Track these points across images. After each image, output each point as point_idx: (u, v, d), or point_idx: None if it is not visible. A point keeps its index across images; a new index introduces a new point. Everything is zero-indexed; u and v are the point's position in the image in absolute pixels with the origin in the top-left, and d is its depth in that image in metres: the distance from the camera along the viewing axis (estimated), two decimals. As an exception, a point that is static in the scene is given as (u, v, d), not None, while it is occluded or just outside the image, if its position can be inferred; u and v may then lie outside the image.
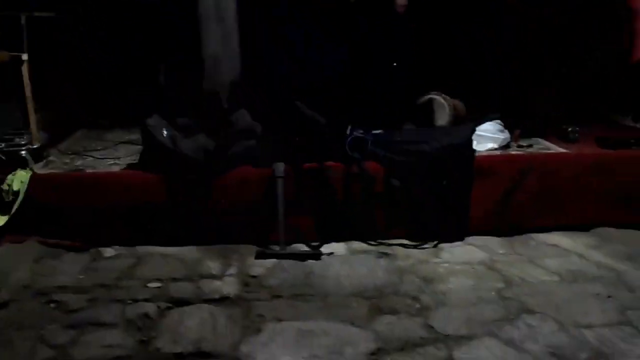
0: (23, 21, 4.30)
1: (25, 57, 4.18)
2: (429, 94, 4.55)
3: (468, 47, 4.88)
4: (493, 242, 3.94)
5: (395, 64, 4.48)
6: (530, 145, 4.42)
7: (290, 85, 4.33)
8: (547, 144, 4.48)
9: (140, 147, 4.20)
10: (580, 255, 3.75)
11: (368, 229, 3.92)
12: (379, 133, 4.17)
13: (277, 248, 3.74)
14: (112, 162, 4.21)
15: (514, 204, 4.01)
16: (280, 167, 3.79)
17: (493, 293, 3.33)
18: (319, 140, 3.94)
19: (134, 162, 4.11)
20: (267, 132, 3.96)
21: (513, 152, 4.30)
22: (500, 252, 3.83)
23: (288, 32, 4.62)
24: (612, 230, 4.07)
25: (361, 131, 4.02)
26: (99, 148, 4.59)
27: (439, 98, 4.52)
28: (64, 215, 3.81)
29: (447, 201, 3.90)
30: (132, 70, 5.23)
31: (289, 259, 3.68)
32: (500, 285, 3.42)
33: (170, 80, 5.19)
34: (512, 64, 4.75)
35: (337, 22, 4.44)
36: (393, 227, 3.94)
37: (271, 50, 4.61)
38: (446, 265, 3.66)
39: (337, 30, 4.43)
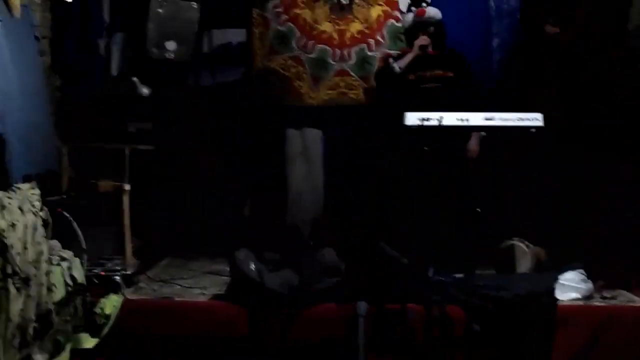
0: (127, 153, 4.62)
1: (127, 187, 4.46)
2: (511, 240, 4.61)
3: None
4: (576, 395, 3.86)
5: (479, 210, 4.58)
6: (613, 297, 4.37)
7: (375, 225, 4.47)
8: (631, 296, 4.42)
9: (225, 278, 4.35)
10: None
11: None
12: (460, 277, 4.23)
13: (357, 387, 3.74)
14: (199, 291, 4.35)
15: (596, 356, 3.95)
16: (362, 306, 3.84)
17: None
18: (401, 281, 4.01)
19: (221, 293, 4.24)
20: (351, 270, 4.06)
21: (596, 303, 4.27)
22: (583, 405, 3.75)
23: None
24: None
25: (443, 274, 4.08)
26: (185, 277, 4.74)
27: (520, 244, 4.56)
28: (152, 342, 3.92)
29: (529, 350, 3.88)
30: (220, 202, 5.49)
31: (370, 399, 3.68)
32: None
33: (255, 213, 5.41)
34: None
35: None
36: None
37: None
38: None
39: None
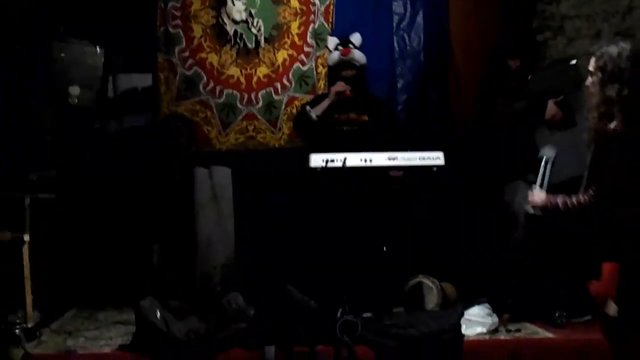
0: (27, 203, 4.48)
1: (26, 237, 4.32)
2: (418, 277, 4.66)
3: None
4: None
5: (385, 249, 4.62)
6: (518, 330, 4.46)
7: (283, 269, 4.46)
8: (535, 328, 4.53)
9: (132, 327, 4.24)
10: None
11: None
12: (369, 317, 4.25)
13: None
14: (104, 342, 4.23)
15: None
16: (270, 351, 3.82)
17: None
18: (309, 323, 3.99)
19: (126, 343, 4.13)
20: (259, 315, 4.02)
21: (501, 337, 4.35)
22: None
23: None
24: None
25: (351, 315, 4.08)
26: (91, 328, 4.61)
27: (427, 281, 4.63)
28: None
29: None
30: (126, 251, 5.37)
31: None
32: None
33: (164, 261, 5.32)
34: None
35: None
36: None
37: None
38: None
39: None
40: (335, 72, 5.16)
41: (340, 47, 5.16)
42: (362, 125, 5.03)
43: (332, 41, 5.29)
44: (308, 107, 5.07)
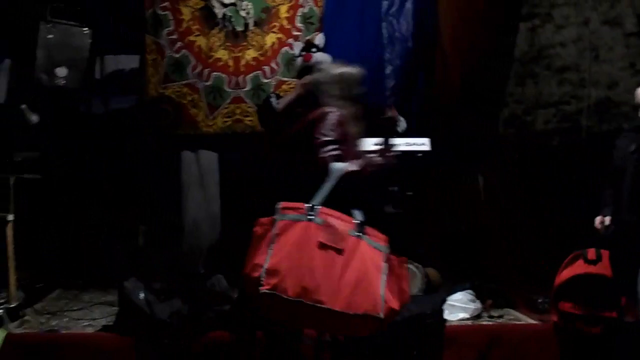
0: (12, 182, 4.47)
1: (11, 217, 4.31)
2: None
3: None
4: (465, 413, 3.94)
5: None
6: (501, 316, 4.50)
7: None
8: (518, 314, 4.57)
9: (117, 308, 4.25)
10: None
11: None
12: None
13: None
14: (87, 323, 4.24)
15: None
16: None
17: None
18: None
19: (110, 324, 4.14)
20: (243, 298, 4.03)
21: (484, 323, 4.38)
22: None
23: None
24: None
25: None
26: (75, 308, 4.62)
27: (411, 267, 4.64)
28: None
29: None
30: (112, 232, 5.37)
31: None
32: None
33: (149, 242, 5.32)
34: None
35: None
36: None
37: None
38: None
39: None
40: (300, 77, 5.08)
41: (303, 53, 5.12)
42: None
43: (297, 47, 5.26)
44: (273, 97, 4.99)
